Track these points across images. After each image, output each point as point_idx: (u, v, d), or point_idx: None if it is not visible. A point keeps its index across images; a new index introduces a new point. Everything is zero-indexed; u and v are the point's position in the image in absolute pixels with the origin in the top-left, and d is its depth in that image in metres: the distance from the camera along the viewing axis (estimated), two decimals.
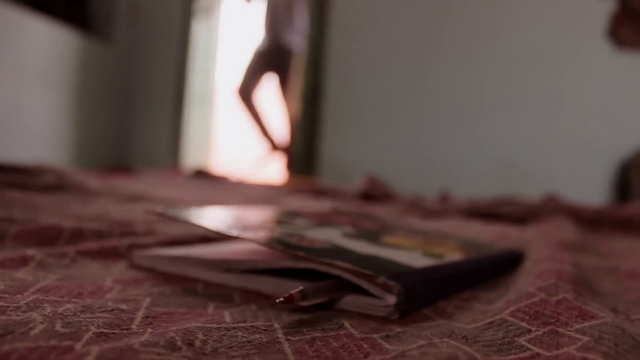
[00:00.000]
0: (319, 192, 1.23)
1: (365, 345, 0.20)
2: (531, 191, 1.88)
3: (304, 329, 0.22)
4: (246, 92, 2.54)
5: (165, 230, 0.46)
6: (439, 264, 0.31)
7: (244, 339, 0.20)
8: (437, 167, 2.23)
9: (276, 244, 0.29)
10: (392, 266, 0.28)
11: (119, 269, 0.32)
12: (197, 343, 0.19)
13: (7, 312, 0.21)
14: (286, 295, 0.22)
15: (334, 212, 0.54)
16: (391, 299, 0.25)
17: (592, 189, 2.04)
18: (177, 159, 2.77)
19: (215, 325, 0.22)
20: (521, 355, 0.19)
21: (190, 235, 0.42)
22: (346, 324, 0.23)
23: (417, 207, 0.96)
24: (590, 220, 0.80)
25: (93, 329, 0.20)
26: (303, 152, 2.49)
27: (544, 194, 1.19)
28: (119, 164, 2.62)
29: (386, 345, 0.21)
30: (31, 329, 0.19)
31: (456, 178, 2.18)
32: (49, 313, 0.21)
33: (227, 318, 0.23)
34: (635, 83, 2.05)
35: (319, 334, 0.22)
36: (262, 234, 0.31)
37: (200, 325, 0.21)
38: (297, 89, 2.54)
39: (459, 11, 2.24)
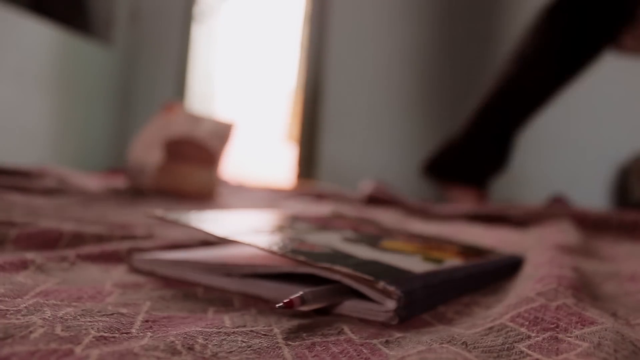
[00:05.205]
0: (322, 196, 1.23)
1: (364, 351, 0.20)
2: (529, 195, 1.88)
3: (304, 334, 0.22)
4: None
5: (165, 233, 0.46)
6: (439, 269, 0.31)
7: (244, 344, 0.20)
8: None
9: (276, 248, 0.29)
10: (392, 271, 0.28)
11: (119, 272, 0.32)
12: (197, 347, 0.19)
13: (7, 315, 0.21)
14: (286, 300, 0.22)
15: (335, 216, 0.54)
16: (391, 304, 0.25)
17: (590, 194, 2.04)
18: None
19: (215, 330, 0.22)
20: None
21: (190, 239, 0.42)
22: (346, 329, 0.23)
23: (418, 211, 0.96)
24: (593, 224, 0.79)
25: (93, 332, 0.20)
26: (303, 154, 2.49)
27: (552, 194, 1.18)
28: (120, 166, 2.62)
29: (386, 350, 0.21)
30: (31, 332, 0.19)
31: None
32: (49, 317, 0.21)
33: (227, 322, 0.23)
34: (634, 88, 2.05)
35: (319, 339, 0.22)
36: (262, 239, 0.31)
37: (200, 329, 0.21)
38: (298, 92, 2.54)
39: (457, 15, 2.25)
